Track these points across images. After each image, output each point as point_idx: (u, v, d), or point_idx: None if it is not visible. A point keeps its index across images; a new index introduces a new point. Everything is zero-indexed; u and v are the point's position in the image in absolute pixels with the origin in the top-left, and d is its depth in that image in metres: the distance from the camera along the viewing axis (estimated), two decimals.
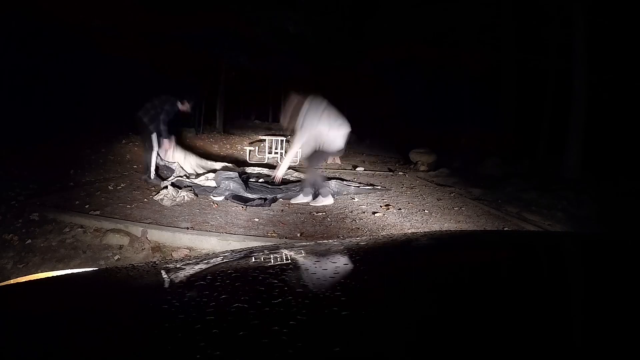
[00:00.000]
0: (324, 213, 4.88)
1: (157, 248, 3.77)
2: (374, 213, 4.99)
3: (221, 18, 10.64)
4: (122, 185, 5.70)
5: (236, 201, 5.16)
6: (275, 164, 7.87)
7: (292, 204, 5.23)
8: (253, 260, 1.09)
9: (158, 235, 3.95)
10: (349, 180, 6.78)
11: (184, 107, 6.01)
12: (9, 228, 3.97)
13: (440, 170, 8.70)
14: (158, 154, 6.06)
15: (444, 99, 15.82)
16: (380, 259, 1.16)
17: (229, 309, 0.67)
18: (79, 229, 4.02)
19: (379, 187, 6.59)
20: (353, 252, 1.19)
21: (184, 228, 4.11)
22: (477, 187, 6.80)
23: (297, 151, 5.72)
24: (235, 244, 3.83)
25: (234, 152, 10.77)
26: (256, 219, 4.52)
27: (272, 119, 17.47)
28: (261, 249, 1.26)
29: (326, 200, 5.28)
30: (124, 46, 9.59)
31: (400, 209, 5.29)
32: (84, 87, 10.30)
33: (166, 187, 5.33)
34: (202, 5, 10.52)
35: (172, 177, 5.95)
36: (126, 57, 9.91)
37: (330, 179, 6.41)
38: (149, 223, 4.17)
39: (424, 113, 15.62)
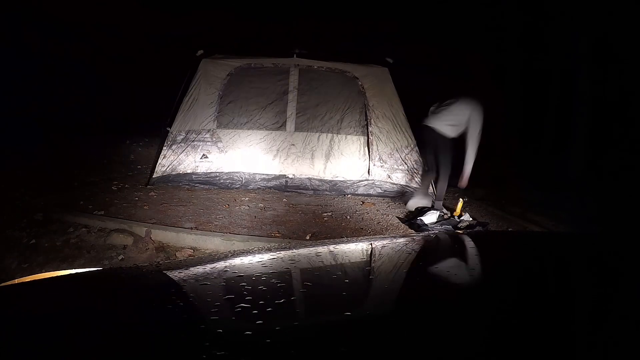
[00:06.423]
0: (328, 213, 4.88)
1: (161, 248, 3.78)
2: (377, 214, 4.98)
3: (221, 15, 10.65)
4: (126, 185, 5.71)
5: None
6: None
7: (297, 205, 5.22)
8: (256, 260, 1.09)
9: (162, 235, 3.96)
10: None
11: None
12: (13, 228, 3.98)
13: None
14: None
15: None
16: (384, 259, 1.16)
17: (233, 309, 0.67)
18: (83, 229, 4.02)
19: None
20: (356, 253, 1.19)
21: (187, 228, 4.11)
22: (480, 188, 6.76)
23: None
24: (239, 244, 3.83)
25: None
26: (260, 219, 4.53)
27: None
28: (265, 249, 1.26)
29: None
30: (124, 46, 9.61)
31: (403, 209, 5.28)
32: (86, 87, 10.33)
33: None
34: (202, 4, 10.54)
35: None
36: (126, 57, 9.94)
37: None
38: (153, 223, 4.18)
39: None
